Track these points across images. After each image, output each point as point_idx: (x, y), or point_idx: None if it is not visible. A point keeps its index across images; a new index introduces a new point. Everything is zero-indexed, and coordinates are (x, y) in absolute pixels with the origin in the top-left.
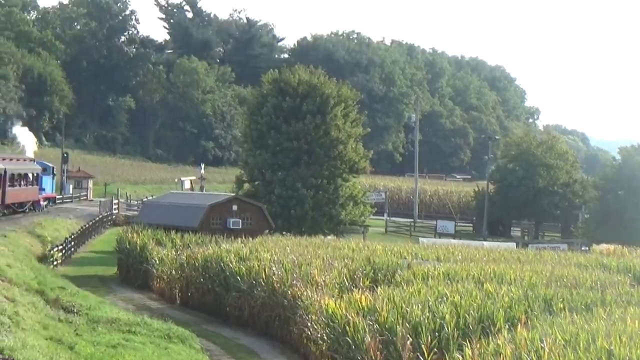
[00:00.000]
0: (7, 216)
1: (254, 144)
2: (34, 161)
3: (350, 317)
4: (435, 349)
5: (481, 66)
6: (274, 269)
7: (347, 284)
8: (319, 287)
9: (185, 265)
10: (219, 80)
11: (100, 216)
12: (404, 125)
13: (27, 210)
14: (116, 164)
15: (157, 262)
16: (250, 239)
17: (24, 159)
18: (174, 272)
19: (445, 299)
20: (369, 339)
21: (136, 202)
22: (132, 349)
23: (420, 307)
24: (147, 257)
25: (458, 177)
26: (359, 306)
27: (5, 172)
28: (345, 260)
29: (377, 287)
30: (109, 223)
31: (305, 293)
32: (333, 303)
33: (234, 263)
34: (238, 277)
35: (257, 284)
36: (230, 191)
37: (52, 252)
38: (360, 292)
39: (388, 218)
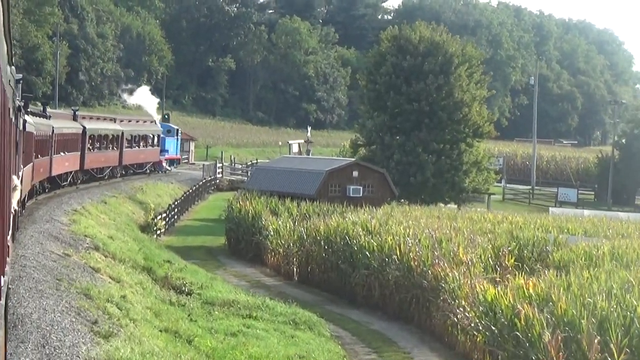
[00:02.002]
0: (124, 177)
1: (371, 106)
2: (155, 122)
3: (520, 308)
4: (625, 349)
5: (589, 29)
6: (409, 244)
7: (491, 262)
8: (465, 267)
9: (305, 238)
10: (321, 42)
11: (204, 181)
12: (510, 89)
13: (148, 171)
14: (216, 126)
15: (272, 233)
16: (373, 208)
17: (144, 121)
18: (291, 245)
19: (629, 287)
20: (549, 336)
21: (240, 166)
22: (255, 338)
23: (604, 297)
24: (260, 227)
25: (565, 142)
26: (524, 293)
27: (122, 134)
28: (489, 235)
29: (523, 265)
30: (212, 188)
31: (450, 274)
32: (493, 289)
33: (362, 237)
34: (367, 253)
35: (390, 262)
36: (337, 155)
37: (155, 220)
38: (522, 275)
39: (505, 185)
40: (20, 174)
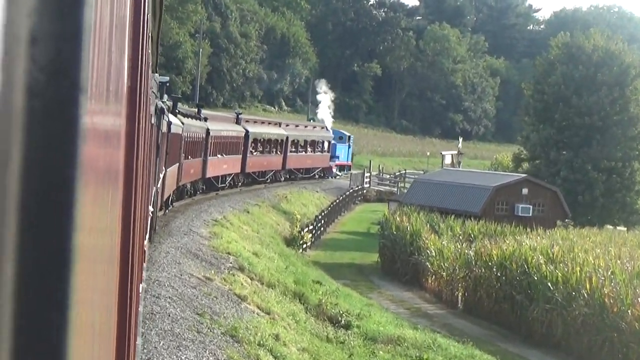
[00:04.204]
0: (288, 181)
1: (537, 118)
2: (327, 128)
3: None
4: None
5: None
6: (602, 278)
7: None
8: None
9: (474, 262)
10: (470, 50)
11: (351, 190)
12: None
13: (317, 176)
14: (359, 133)
15: (434, 254)
16: (544, 230)
17: (313, 126)
18: (456, 269)
19: None
20: None
21: (388, 176)
22: None
23: None
24: (419, 247)
25: None
26: None
27: (287, 138)
28: None
29: None
30: (359, 198)
31: None
32: None
33: (543, 266)
34: (549, 285)
35: (577, 297)
36: (488, 169)
37: (302, 233)
38: None
39: None
40: (161, 175)
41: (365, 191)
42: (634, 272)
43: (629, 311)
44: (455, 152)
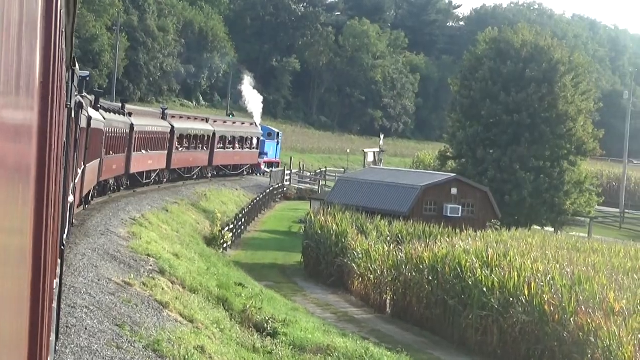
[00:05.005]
0: (215, 177)
1: (463, 115)
2: (256, 125)
3: None
4: None
5: None
6: (541, 284)
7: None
8: (621, 318)
9: (404, 265)
10: (390, 46)
11: (271, 188)
12: None
13: (245, 173)
14: (278, 129)
15: (361, 256)
16: (474, 231)
17: (242, 122)
18: (385, 271)
19: None
20: None
21: (309, 174)
22: None
23: None
24: (345, 247)
25: (635, 162)
26: None
27: (214, 134)
28: (634, 275)
29: None
30: (280, 196)
31: (605, 327)
32: None
33: (479, 270)
34: (485, 290)
35: (515, 303)
36: (410, 167)
37: (222, 232)
38: None
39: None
40: (79, 171)
41: (285, 189)
42: (576, 277)
43: (572, 319)
44: (377, 149)
